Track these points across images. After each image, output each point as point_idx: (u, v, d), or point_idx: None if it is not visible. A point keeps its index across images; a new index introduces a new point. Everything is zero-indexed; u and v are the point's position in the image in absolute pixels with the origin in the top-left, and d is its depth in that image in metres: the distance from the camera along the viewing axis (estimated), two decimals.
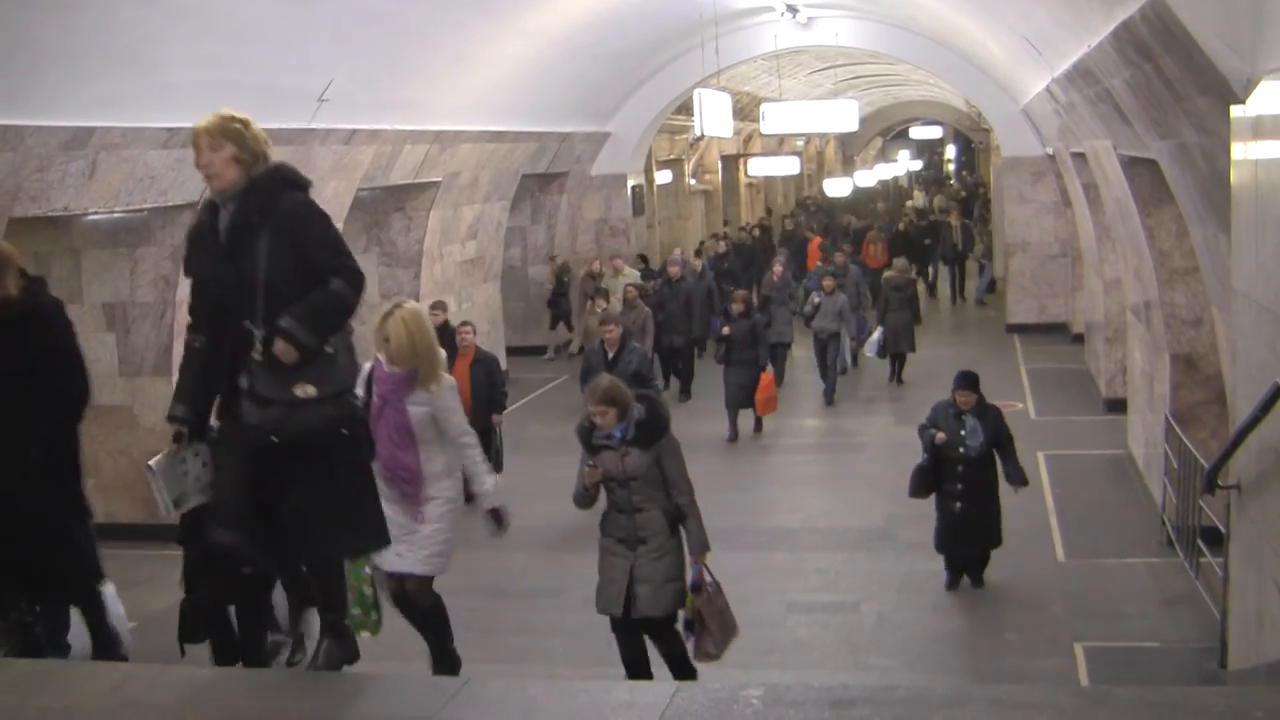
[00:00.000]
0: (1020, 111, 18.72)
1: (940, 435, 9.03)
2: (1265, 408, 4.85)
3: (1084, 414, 14.43)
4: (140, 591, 9.84)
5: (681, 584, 6.71)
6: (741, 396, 13.83)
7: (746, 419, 14.26)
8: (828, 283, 15.85)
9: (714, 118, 15.92)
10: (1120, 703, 3.99)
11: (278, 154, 5.51)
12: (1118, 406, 13.35)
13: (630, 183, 21.39)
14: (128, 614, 9.21)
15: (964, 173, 55.09)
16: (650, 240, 22.96)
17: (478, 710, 4.29)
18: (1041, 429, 13.97)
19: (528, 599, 9.24)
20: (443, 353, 6.56)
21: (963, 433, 8.97)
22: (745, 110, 25.83)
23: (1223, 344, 8.14)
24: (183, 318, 10.89)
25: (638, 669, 6.80)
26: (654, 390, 11.36)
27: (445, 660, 6.82)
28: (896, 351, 16.88)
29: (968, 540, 9.12)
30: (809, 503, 11.63)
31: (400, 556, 6.28)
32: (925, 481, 9.14)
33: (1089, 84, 9.50)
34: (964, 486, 8.95)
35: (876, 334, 16.74)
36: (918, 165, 57.67)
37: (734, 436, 14.02)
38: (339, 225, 13.40)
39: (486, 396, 11.39)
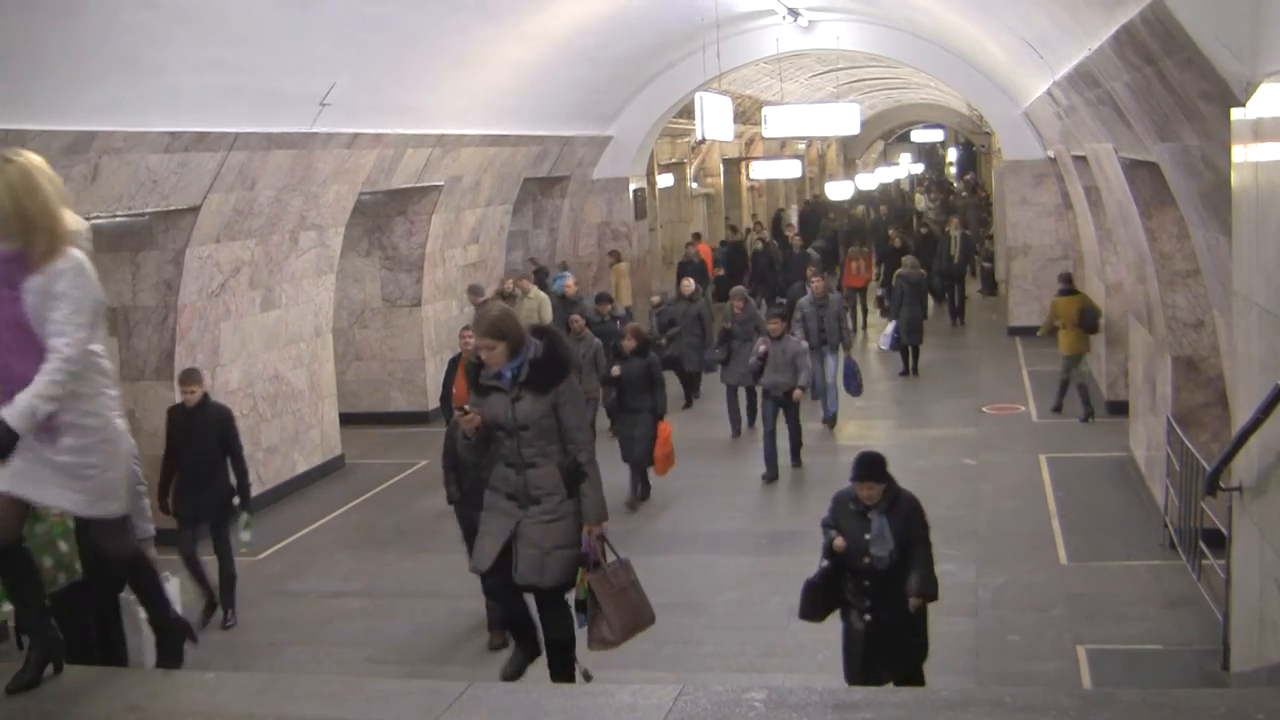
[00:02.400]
0: (1021, 114, 18.73)
1: (840, 541, 6.89)
2: (1266, 409, 4.85)
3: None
4: None
5: (574, 553, 5.83)
6: (639, 450, 11.44)
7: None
8: (774, 325, 12.35)
9: (715, 121, 15.93)
10: (1122, 705, 3.99)
11: (280, 158, 5.52)
12: (1119, 409, 13.35)
13: (632, 186, 21.41)
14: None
15: (965, 175, 55.07)
16: (652, 244, 22.98)
17: (481, 714, 4.29)
18: (1043, 431, 13.99)
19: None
20: (70, 220, 4.79)
21: (867, 536, 6.80)
22: (747, 114, 25.84)
23: (1224, 346, 8.14)
24: (185, 322, 10.96)
25: (521, 625, 6.12)
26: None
27: (165, 635, 4.93)
28: (910, 344, 17.19)
29: (881, 663, 6.82)
30: (811, 505, 11.60)
31: (30, 481, 4.47)
32: (818, 600, 7.05)
33: (1090, 87, 9.50)
34: (873, 602, 6.85)
35: (890, 327, 17.21)
36: (919, 168, 57.64)
37: (639, 496, 11.67)
38: (341, 229, 13.47)
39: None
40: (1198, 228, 7.61)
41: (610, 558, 5.95)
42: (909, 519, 6.91)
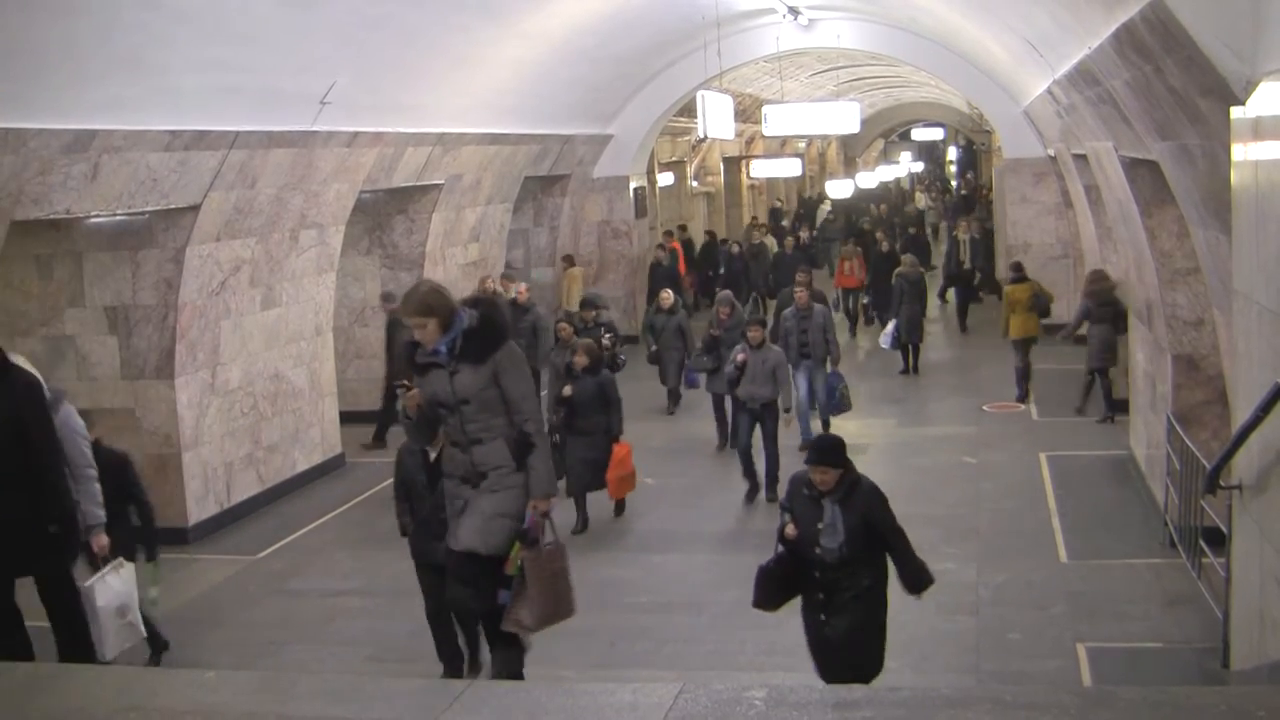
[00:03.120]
0: (1022, 113, 18.73)
1: (791, 528, 6.45)
2: (1266, 408, 4.85)
3: (1086, 415, 14.42)
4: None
5: (516, 525, 5.62)
6: (589, 476, 10.71)
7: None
8: (754, 333, 11.51)
9: (716, 119, 15.93)
10: (1123, 703, 4.00)
11: (280, 157, 5.59)
12: (1119, 407, 13.35)
13: (632, 185, 21.41)
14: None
15: (965, 174, 55.07)
16: (652, 242, 22.97)
17: (482, 712, 4.29)
18: (1044, 430, 13.99)
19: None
20: None
21: (819, 524, 6.33)
22: (747, 112, 25.85)
23: (1224, 344, 8.14)
24: (185, 320, 10.97)
25: (454, 624, 5.94)
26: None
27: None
28: (910, 342, 17.21)
29: (839, 670, 6.35)
30: None
31: None
32: (771, 587, 6.61)
33: (1090, 85, 9.50)
34: (826, 597, 6.39)
35: (890, 326, 17.22)
36: (919, 167, 57.65)
37: (582, 527, 10.75)
38: (341, 228, 13.47)
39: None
40: (1198, 226, 7.61)
41: (549, 538, 5.72)
42: (867, 510, 6.37)
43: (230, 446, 11.77)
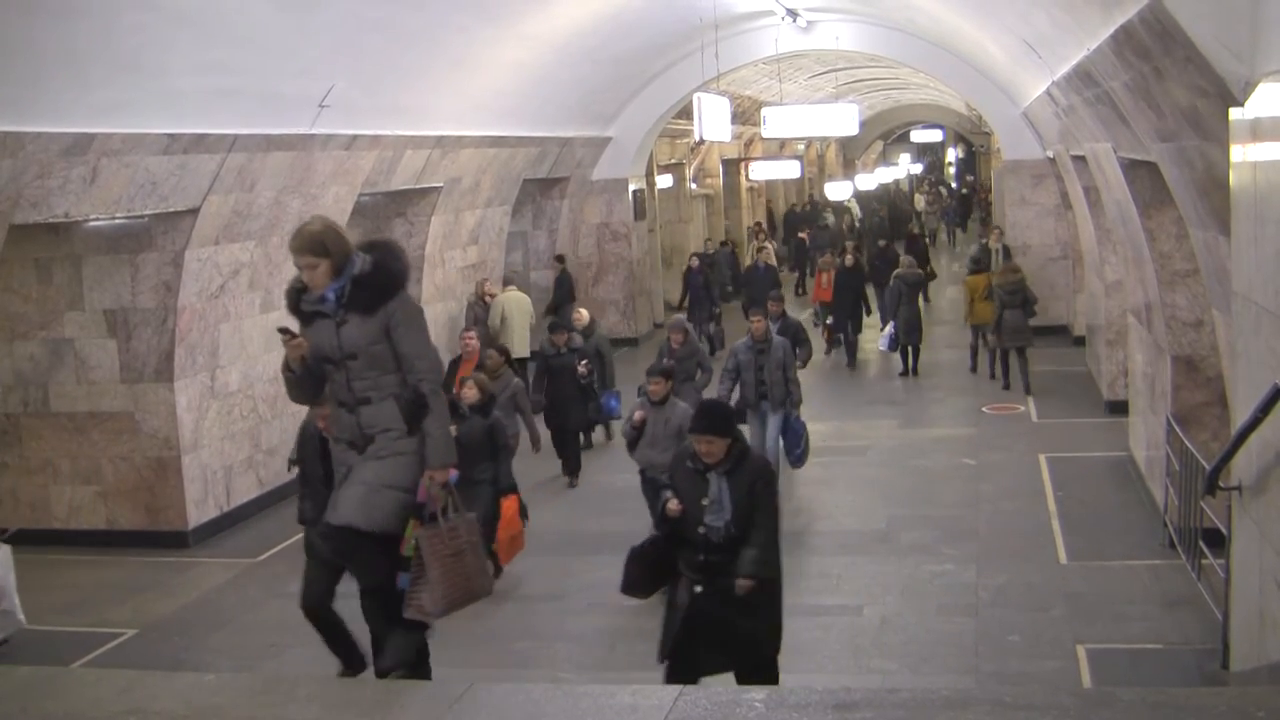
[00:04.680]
0: (1020, 114, 18.74)
1: (674, 504, 5.93)
2: (1265, 409, 4.85)
3: (1085, 416, 14.44)
4: (143, 598, 9.87)
5: (408, 499, 5.02)
6: None
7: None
8: (654, 386, 9.23)
9: (713, 122, 15.94)
10: (1123, 704, 3.99)
11: (279, 160, 5.57)
12: (1119, 409, 13.36)
13: (631, 187, 21.42)
14: (131, 620, 9.28)
15: (966, 176, 55.10)
16: (652, 244, 22.98)
17: (481, 714, 4.29)
18: (1043, 431, 14.00)
19: (530, 603, 9.24)
20: None
21: (704, 501, 5.87)
22: (746, 114, 25.86)
23: (1223, 346, 8.14)
24: (184, 324, 10.97)
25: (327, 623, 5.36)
26: None
27: None
28: (910, 344, 17.21)
29: (702, 651, 5.84)
30: (811, 506, 11.63)
31: None
32: (642, 571, 6.10)
33: (1089, 87, 9.51)
34: (705, 579, 5.93)
35: (888, 328, 17.22)
36: (919, 168, 57.68)
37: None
38: None
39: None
40: (1197, 227, 7.62)
41: (452, 513, 5.10)
42: (754, 484, 5.86)
43: (230, 449, 11.78)
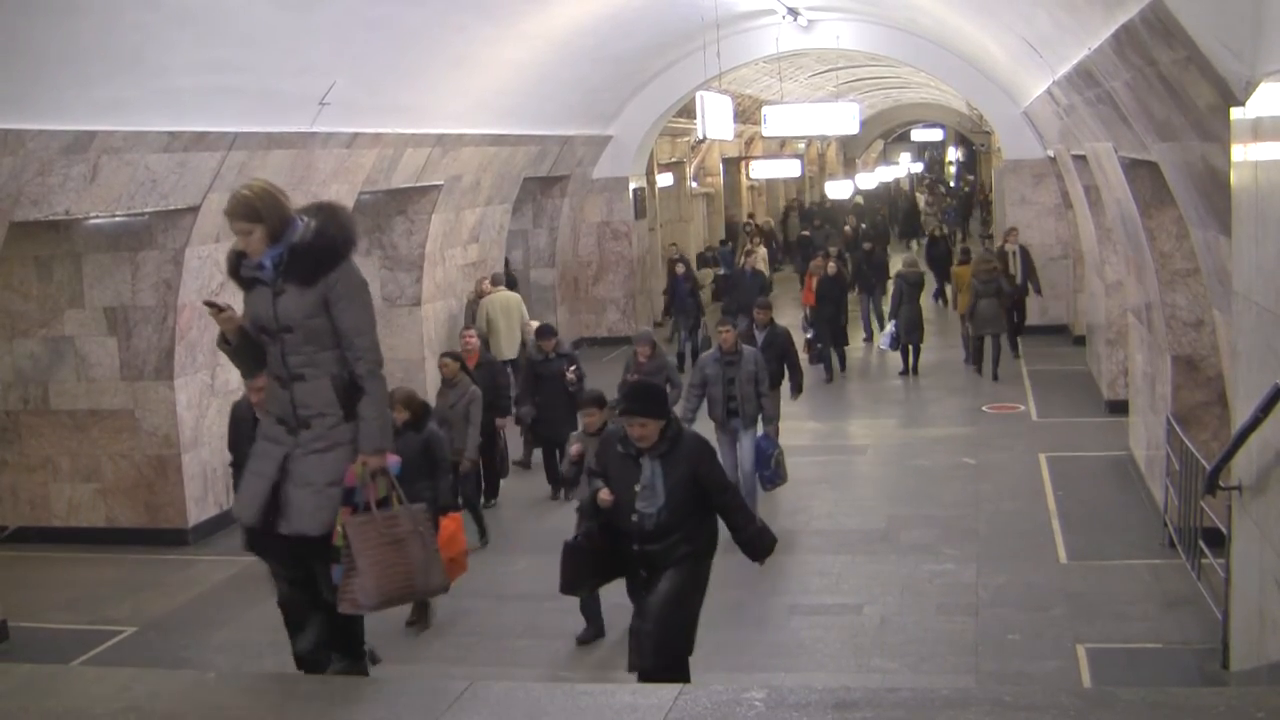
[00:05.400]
0: (1021, 114, 18.74)
1: (605, 493, 5.63)
2: (1266, 408, 4.85)
3: (1086, 416, 14.44)
4: (143, 595, 9.87)
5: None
6: None
7: None
8: (590, 416, 8.41)
9: (715, 120, 15.94)
10: (1122, 704, 3.99)
11: (279, 158, 5.50)
12: (1119, 408, 13.36)
13: (632, 186, 21.42)
14: (131, 618, 9.28)
15: (967, 176, 55.07)
16: (652, 243, 22.97)
17: (481, 713, 4.29)
18: (1043, 431, 14.00)
19: (531, 602, 9.24)
20: None
21: (636, 487, 5.56)
22: (747, 113, 25.86)
23: (1224, 345, 8.14)
24: (185, 321, 10.97)
25: (298, 619, 4.88)
26: None
27: None
28: (910, 343, 17.21)
29: (645, 649, 5.69)
30: (811, 505, 11.63)
31: None
32: (581, 568, 5.82)
33: (1089, 86, 9.51)
34: (649, 574, 5.72)
35: (890, 327, 17.24)
36: (919, 167, 57.67)
37: (420, 621, 8.78)
38: None
39: (490, 401, 11.43)
40: (1197, 227, 7.62)
41: (393, 502, 4.78)
42: (696, 469, 5.54)
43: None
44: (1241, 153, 5.38)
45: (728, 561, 9.99)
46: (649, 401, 5.55)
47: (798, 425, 14.88)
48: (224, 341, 4.83)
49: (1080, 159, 13.91)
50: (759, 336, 11.72)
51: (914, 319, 17.29)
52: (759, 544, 5.82)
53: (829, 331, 17.49)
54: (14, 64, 7.76)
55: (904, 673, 7.78)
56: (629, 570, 5.73)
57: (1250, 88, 5.06)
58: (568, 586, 5.96)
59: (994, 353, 16.67)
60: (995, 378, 16.59)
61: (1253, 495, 5.38)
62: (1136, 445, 12.03)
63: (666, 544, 5.54)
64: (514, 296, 15.58)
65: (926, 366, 17.92)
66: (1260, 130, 4.98)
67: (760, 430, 10.45)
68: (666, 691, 4.28)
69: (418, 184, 15.03)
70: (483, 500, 11.81)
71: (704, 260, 26.05)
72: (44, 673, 5.10)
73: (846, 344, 18.04)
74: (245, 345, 4.78)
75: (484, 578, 9.33)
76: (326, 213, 4.72)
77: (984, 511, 11.08)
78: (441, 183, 15.49)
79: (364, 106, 12.15)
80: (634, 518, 5.52)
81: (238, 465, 7.14)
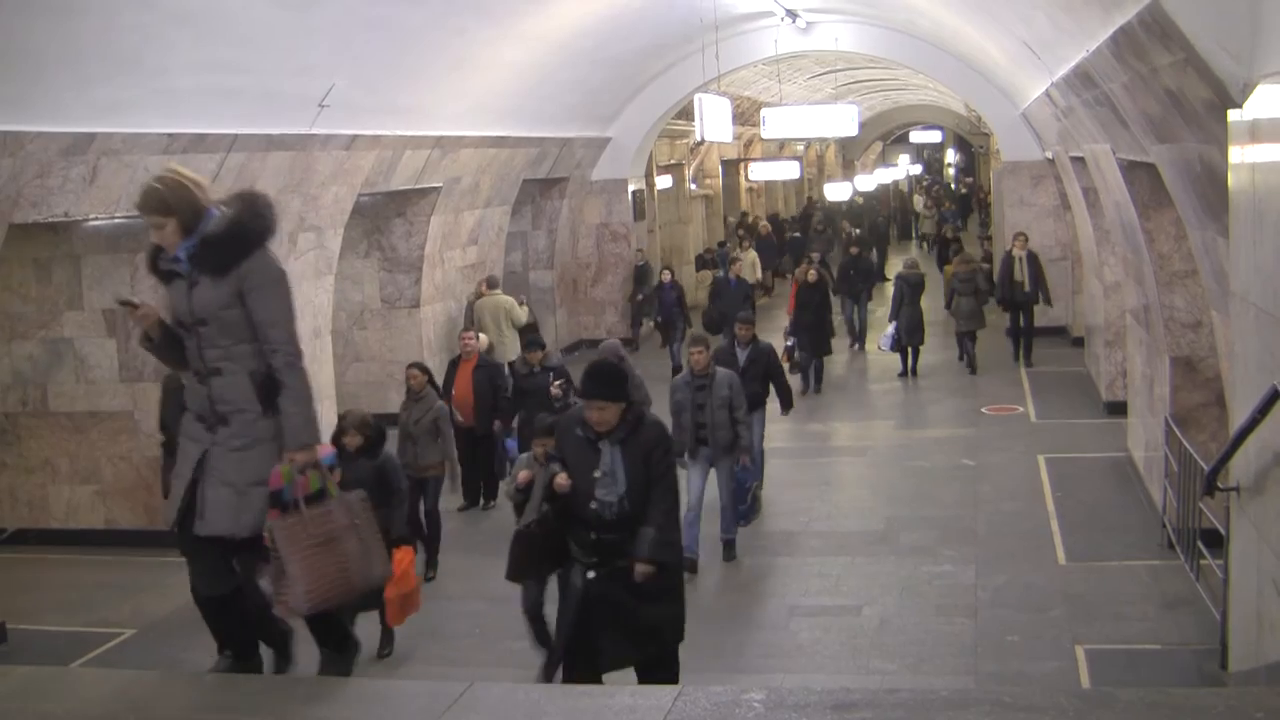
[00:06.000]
0: (1020, 116, 18.75)
1: (562, 478, 5.40)
2: (1264, 410, 4.86)
3: (1084, 417, 14.45)
4: (143, 597, 9.87)
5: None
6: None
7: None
8: (538, 445, 7.48)
9: (714, 122, 15.95)
10: (1121, 704, 4.00)
11: (279, 160, 5.47)
12: (1118, 409, 13.37)
13: (631, 188, 21.42)
14: (130, 620, 9.28)
15: (966, 178, 55.06)
16: (651, 245, 22.98)
17: (480, 715, 4.29)
18: (1042, 432, 14.00)
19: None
20: None
21: (595, 474, 5.34)
22: (745, 115, 25.86)
23: (1222, 346, 8.15)
24: None
25: (221, 616, 4.64)
26: None
27: None
28: (911, 345, 17.23)
29: (611, 639, 5.42)
30: (810, 506, 11.64)
31: None
32: (531, 554, 5.62)
33: (1088, 88, 9.51)
34: (599, 561, 5.45)
35: (890, 328, 17.23)
36: (918, 169, 57.66)
37: (381, 650, 8.35)
38: (339, 230, 13.47)
39: (489, 402, 11.44)
40: (1195, 228, 7.62)
41: (328, 497, 4.59)
42: (650, 454, 5.31)
43: None
44: (1239, 154, 5.38)
45: (724, 563, 10.04)
46: (608, 384, 5.30)
47: (797, 427, 14.89)
48: (146, 339, 4.68)
49: (1079, 161, 13.91)
50: (740, 355, 10.94)
51: (915, 321, 17.31)
52: (649, 545, 5.30)
53: (810, 340, 16.33)
54: (13, 66, 7.76)
55: (903, 674, 7.79)
56: (575, 554, 5.45)
57: (1247, 90, 5.06)
58: (515, 573, 5.84)
59: (969, 348, 17.54)
60: (973, 371, 17.44)
61: (1251, 496, 5.38)
62: (1135, 446, 12.04)
63: (626, 534, 5.30)
64: (504, 299, 15.50)
65: (926, 368, 17.94)
66: (1258, 132, 4.98)
67: (726, 463, 9.66)
68: (665, 693, 4.28)
69: (417, 186, 15.03)
70: (481, 503, 11.83)
71: (703, 262, 26.06)
72: (43, 674, 5.10)
73: (828, 353, 17.04)
74: (169, 342, 4.64)
75: (483, 580, 9.33)
76: (242, 201, 4.59)
77: (983, 513, 11.08)
78: (440, 185, 15.50)
79: (363, 108, 12.15)
80: (593, 505, 5.30)
81: (169, 446, 6.73)
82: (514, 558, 5.68)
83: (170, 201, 4.46)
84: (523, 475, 7.40)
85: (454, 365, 12.01)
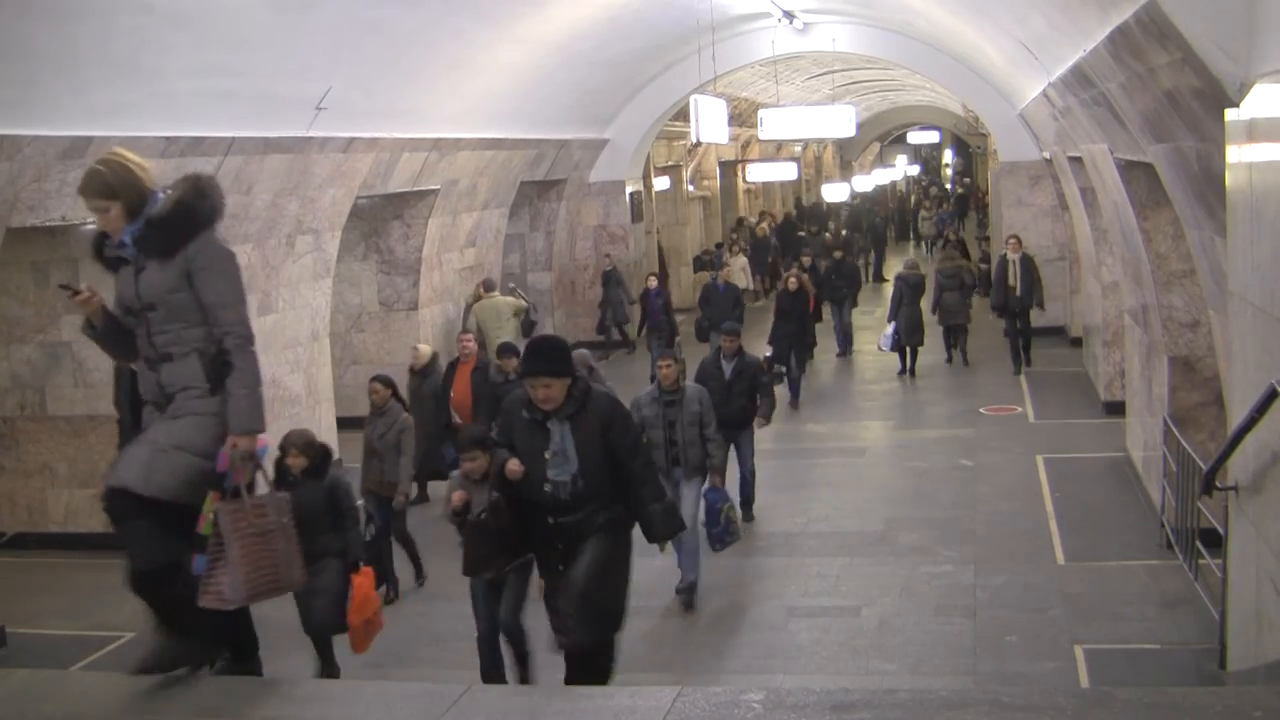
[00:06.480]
0: (1017, 116, 18.76)
1: (513, 464, 5.16)
2: (1261, 409, 4.86)
3: (1083, 417, 14.45)
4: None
5: (204, 466, 4.37)
6: (326, 613, 7.35)
7: None
8: (470, 463, 7.17)
9: (710, 124, 15.95)
10: (1120, 704, 4.00)
11: (276, 162, 5.46)
12: (1116, 409, 13.38)
13: (628, 189, 21.43)
14: (130, 623, 9.26)
15: (963, 178, 55.05)
16: (649, 246, 22.99)
17: (480, 716, 4.29)
18: (1040, 432, 14.00)
19: (529, 605, 9.23)
20: None
21: (546, 454, 5.12)
22: (743, 116, 25.87)
23: (1220, 346, 8.15)
24: None
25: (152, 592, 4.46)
26: None
27: None
28: (910, 345, 17.23)
29: (571, 626, 5.32)
30: (809, 507, 11.64)
31: None
32: (488, 547, 5.44)
33: (1085, 88, 9.52)
34: (565, 548, 5.24)
35: (889, 329, 17.22)
36: (915, 170, 57.69)
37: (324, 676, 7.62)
38: (337, 233, 13.47)
39: (488, 403, 11.43)
40: (1193, 228, 7.63)
41: (261, 488, 4.54)
42: (607, 430, 5.08)
43: None
44: (1236, 154, 5.38)
45: (728, 563, 10.04)
46: (552, 359, 5.05)
47: (796, 428, 14.91)
48: (89, 326, 4.57)
49: (1076, 161, 13.92)
50: (726, 368, 10.46)
51: (914, 321, 17.33)
52: (661, 524, 5.25)
53: (790, 350, 15.61)
54: (10, 69, 7.76)
55: (902, 674, 7.79)
56: (540, 546, 5.28)
57: (1245, 89, 5.07)
58: (476, 567, 5.66)
59: (950, 342, 18.15)
60: (951, 361, 18.18)
61: (1249, 495, 5.38)
62: (1133, 446, 12.04)
63: (584, 513, 5.10)
64: (505, 300, 15.52)
65: (925, 368, 17.94)
66: (1255, 131, 4.99)
67: (695, 483, 9.07)
68: (665, 693, 4.29)
69: (414, 188, 15.03)
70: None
71: (701, 264, 26.06)
72: (42, 678, 5.10)
73: (810, 359, 16.62)
74: (111, 330, 4.55)
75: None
76: (187, 183, 4.51)
77: (982, 513, 11.08)
78: (438, 187, 15.50)
79: (360, 110, 12.15)
80: (547, 488, 5.08)
81: (123, 425, 6.69)
82: (469, 551, 5.54)
83: (114, 185, 4.41)
84: (457, 497, 6.97)
85: (452, 367, 12.01)
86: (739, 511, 9.51)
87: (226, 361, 4.40)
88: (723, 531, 9.00)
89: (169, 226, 4.38)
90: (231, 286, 4.47)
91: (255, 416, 4.44)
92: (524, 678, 6.93)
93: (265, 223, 11.83)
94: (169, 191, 4.46)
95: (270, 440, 4.72)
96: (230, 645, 4.81)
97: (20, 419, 11.37)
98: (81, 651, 8.69)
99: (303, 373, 13.07)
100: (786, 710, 4.07)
